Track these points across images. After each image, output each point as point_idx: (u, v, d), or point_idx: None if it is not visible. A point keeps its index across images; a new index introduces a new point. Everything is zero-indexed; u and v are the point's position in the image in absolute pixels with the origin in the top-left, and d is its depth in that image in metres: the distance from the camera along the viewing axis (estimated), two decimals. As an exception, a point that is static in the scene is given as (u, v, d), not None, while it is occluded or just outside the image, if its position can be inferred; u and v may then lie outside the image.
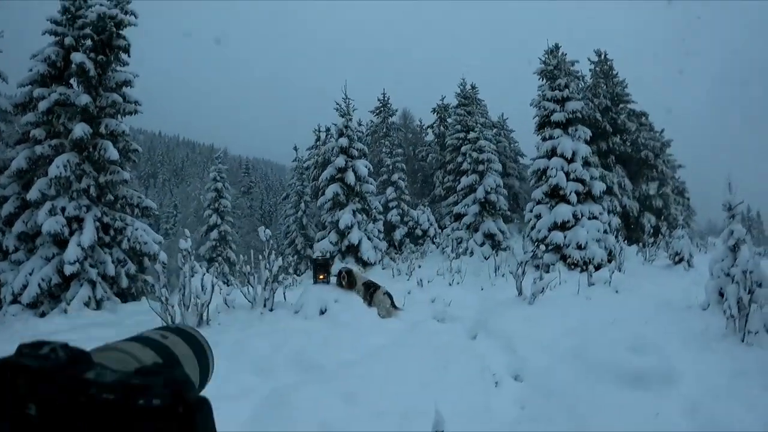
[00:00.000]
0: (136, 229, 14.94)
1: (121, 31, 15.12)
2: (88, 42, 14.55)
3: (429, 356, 6.85)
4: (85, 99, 14.09)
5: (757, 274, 7.71)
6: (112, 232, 14.75)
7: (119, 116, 15.27)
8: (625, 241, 21.09)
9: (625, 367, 5.87)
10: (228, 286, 12.13)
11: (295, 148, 36.06)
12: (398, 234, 27.96)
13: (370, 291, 10.37)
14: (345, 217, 22.16)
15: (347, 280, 10.24)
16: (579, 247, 17.80)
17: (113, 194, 15.04)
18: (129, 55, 15.54)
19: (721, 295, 8.56)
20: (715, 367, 5.83)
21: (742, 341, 6.80)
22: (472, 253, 24.47)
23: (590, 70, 29.22)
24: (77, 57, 14.13)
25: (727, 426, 4.50)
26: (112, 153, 14.29)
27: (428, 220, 28.81)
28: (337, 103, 24.34)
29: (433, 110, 36.35)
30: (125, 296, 14.66)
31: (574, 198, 18.89)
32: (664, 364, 5.86)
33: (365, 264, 21.61)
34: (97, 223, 14.12)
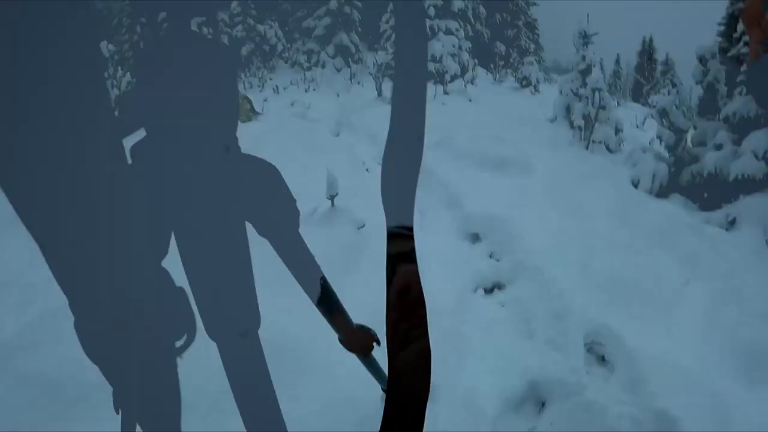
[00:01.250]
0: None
1: None
2: None
3: (300, 149, 6.82)
4: None
5: (604, 96, 8.39)
6: None
7: None
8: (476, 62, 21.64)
9: (489, 155, 6.20)
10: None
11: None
12: (245, 50, 26.13)
13: None
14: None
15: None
16: (434, 60, 17.95)
17: None
18: None
19: (569, 111, 9.20)
20: (566, 164, 6.37)
21: (587, 149, 7.47)
22: (324, 66, 23.78)
23: None
24: None
25: (579, 204, 5.00)
26: None
27: (276, 35, 27.06)
28: None
29: None
30: None
31: (432, 11, 18.76)
32: (522, 156, 6.28)
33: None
34: None
